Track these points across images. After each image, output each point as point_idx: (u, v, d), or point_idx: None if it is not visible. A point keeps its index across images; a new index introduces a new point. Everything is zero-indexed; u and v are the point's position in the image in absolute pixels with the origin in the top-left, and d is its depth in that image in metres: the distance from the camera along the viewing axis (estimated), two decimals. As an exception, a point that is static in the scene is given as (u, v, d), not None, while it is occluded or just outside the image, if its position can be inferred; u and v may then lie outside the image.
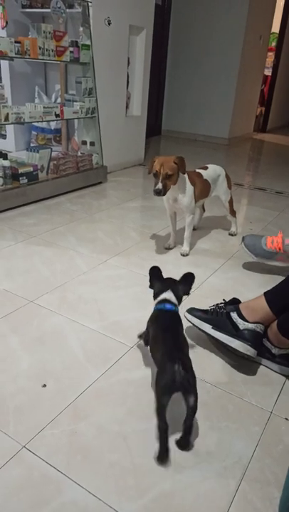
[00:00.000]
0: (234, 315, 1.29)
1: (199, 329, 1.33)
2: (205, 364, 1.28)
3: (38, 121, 2.62)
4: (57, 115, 2.66)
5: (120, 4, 2.99)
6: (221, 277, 1.83)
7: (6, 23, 2.49)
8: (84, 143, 3.16)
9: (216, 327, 1.29)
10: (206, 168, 2.09)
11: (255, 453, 0.99)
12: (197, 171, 2.04)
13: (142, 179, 3.41)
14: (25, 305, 1.51)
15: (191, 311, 1.37)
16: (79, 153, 3.04)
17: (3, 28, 2.64)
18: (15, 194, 2.44)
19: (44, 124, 3.37)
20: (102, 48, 2.95)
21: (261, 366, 1.29)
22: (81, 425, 1.03)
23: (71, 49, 2.66)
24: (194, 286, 1.70)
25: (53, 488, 0.87)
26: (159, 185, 1.75)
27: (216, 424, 1.06)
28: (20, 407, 1.06)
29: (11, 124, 2.47)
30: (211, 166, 2.12)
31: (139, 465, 0.94)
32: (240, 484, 0.91)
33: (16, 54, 2.33)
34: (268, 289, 1.31)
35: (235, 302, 1.35)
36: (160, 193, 1.76)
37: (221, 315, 1.31)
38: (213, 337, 1.30)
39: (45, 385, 1.14)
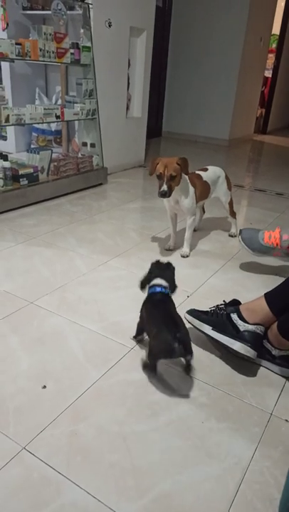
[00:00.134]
0: (234, 316, 1.29)
1: (199, 330, 1.33)
2: (205, 365, 1.27)
3: (38, 123, 2.63)
4: (57, 117, 2.66)
5: (121, 6, 3.00)
6: (221, 278, 1.83)
7: (7, 24, 2.50)
8: (84, 144, 3.17)
9: (216, 328, 1.29)
10: (205, 169, 2.09)
11: (255, 454, 0.99)
12: (197, 172, 2.04)
13: (143, 180, 3.42)
14: (25, 306, 1.51)
15: (192, 312, 1.37)
16: (79, 155, 3.05)
17: (4, 30, 2.65)
18: (15, 195, 2.45)
19: (44, 126, 3.38)
20: (103, 50, 2.95)
21: (261, 367, 1.29)
22: (81, 426, 1.02)
23: (72, 51, 2.67)
24: (194, 287, 1.72)
25: (52, 489, 0.87)
26: (164, 187, 1.75)
27: (216, 425, 1.06)
28: (20, 408, 1.06)
29: (12, 125, 2.48)
30: (210, 168, 2.12)
31: (139, 466, 0.93)
32: (240, 485, 0.91)
33: (16, 56, 2.33)
34: (268, 290, 1.31)
35: (235, 303, 1.35)
36: (165, 194, 1.76)
37: (221, 316, 1.31)
38: (213, 338, 1.30)
39: (45, 386, 1.14)
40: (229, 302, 1.36)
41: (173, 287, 1.26)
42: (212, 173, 2.10)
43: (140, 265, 1.86)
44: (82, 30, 2.82)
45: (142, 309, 1.28)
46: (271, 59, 6.56)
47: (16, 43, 2.31)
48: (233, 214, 2.26)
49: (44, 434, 0.99)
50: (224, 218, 2.48)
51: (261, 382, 1.23)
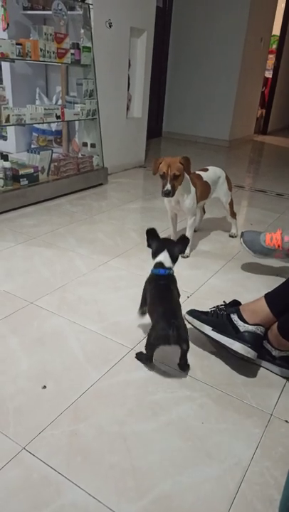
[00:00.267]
0: (234, 317, 1.29)
1: (199, 331, 1.33)
2: (205, 366, 1.27)
3: (38, 123, 2.63)
4: (58, 117, 2.67)
5: (121, 6, 3.00)
6: (222, 279, 1.83)
7: (8, 25, 2.50)
8: (85, 144, 3.17)
9: (216, 329, 1.29)
10: (206, 170, 2.09)
11: (255, 455, 0.99)
12: (197, 172, 2.04)
13: (143, 180, 3.42)
14: (25, 306, 1.51)
15: (192, 312, 1.37)
16: (80, 155, 3.05)
17: (4, 30, 2.65)
18: (15, 195, 2.45)
19: (45, 126, 3.38)
20: (103, 50, 2.96)
21: (261, 368, 1.29)
22: (81, 426, 1.02)
23: (72, 51, 2.67)
24: (195, 287, 1.72)
25: (52, 489, 0.87)
26: (168, 187, 1.75)
27: (216, 425, 1.06)
28: (20, 408, 1.06)
29: (12, 125, 2.48)
30: (211, 168, 2.12)
31: (139, 466, 0.93)
32: (240, 486, 0.91)
33: (17, 56, 2.33)
34: (269, 290, 1.31)
35: (235, 304, 1.35)
36: (169, 194, 1.76)
37: (222, 317, 1.31)
38: (213, 339, 1.30)
39: (45, 387, 1.14)
40: (229, 303, 1.36)
41: (175, 262, 1.30)
42: (212, 173, 2.10)
43: (140, 265, 1.86)
44: (82, 31, 2.82)
45: (145, 286, 1.32)
46: (271, 60, 6.56)
47: (17, 43, 2.31)
48: (233, 214, 2.26)
49: (44, 435, 0.99)
50: (224, 219, 2.47)
51: (261, 382, 1.23)
